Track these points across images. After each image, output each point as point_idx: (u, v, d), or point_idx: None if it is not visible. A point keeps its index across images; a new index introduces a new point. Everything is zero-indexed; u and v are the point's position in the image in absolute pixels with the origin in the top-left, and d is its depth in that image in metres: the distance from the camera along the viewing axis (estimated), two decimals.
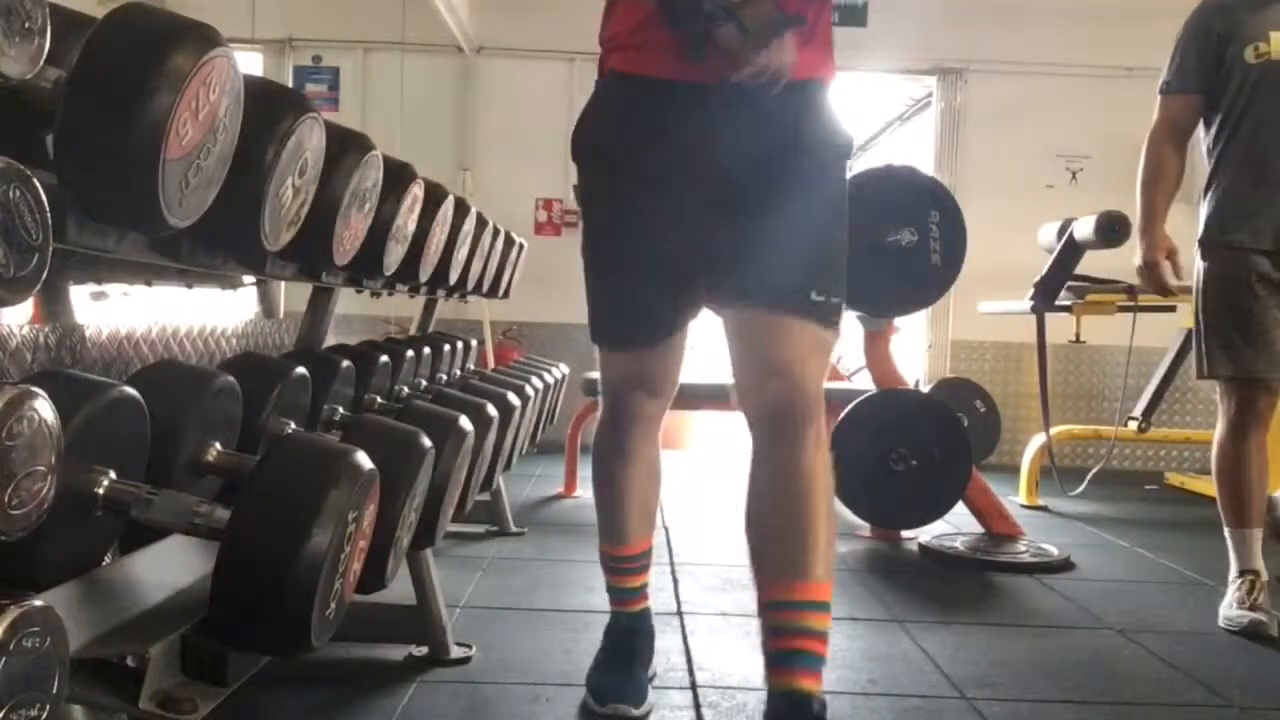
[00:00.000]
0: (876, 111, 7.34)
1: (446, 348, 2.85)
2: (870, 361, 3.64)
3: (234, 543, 1.08)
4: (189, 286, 2.21)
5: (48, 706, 0.82)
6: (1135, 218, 2.65)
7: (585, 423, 4.12)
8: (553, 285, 4.52)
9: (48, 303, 1.86)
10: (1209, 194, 2.57)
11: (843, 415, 3.32)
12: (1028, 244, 4.15)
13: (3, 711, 0.77)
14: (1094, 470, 4.11)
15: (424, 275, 2.18)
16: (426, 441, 1.52)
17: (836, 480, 1.57)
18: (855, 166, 1.70)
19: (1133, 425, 4.54)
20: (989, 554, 3.23)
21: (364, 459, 1.21)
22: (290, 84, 5.21)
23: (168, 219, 0.99)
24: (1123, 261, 2.66)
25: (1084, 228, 3.63)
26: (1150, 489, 4.97)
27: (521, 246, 3.69)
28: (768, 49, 1.41)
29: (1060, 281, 3.87)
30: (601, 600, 1.99)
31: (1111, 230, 3.46)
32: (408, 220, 1.90)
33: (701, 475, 4.79)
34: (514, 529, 3.35)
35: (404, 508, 1.43)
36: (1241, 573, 2.53)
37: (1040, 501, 4.33)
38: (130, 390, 1.11)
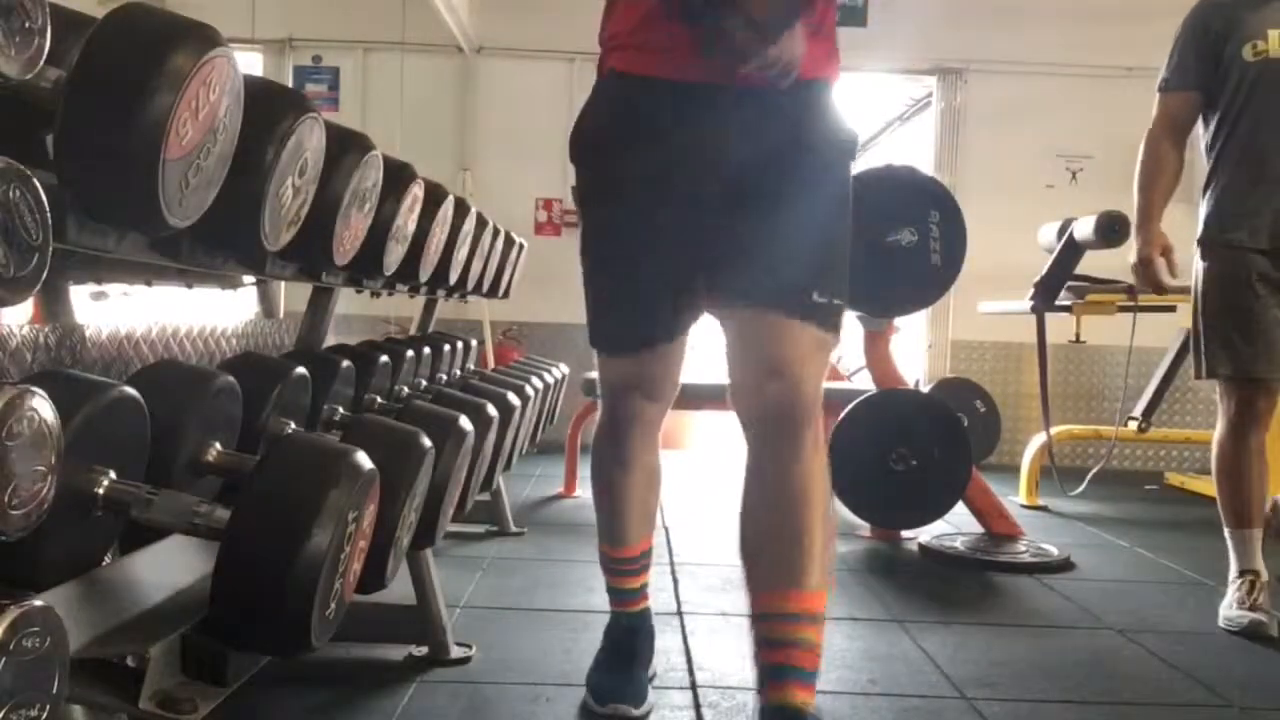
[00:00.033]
0: (876, 111, 7.34)
1: (446, 348, 2.85)
2: (870, 361, 3.64)
3: (234, 543, 1.08)
4: (189, 286, 2.21)
5: (48, 706, 0.82)
6: (1133, 215, 2.65)
7: (585, 423, 4.12)
8: (553, 285, 4.52)
9: (48, 303, 1.86)
10: (1208, 192, 2.57)
11: (843, 415, 3.32)
12: (1028, 244, 4.15)
13: (3, 711, 0.77)
14: (1094, 470, 4.11)
15: (424, 275, 2.18)
16: (426, 441, 1.52)
17: (834, 482, 1.54)
18: (855, 167, 1.67)
19: (1133, 425, 4.54)
20: (989, 554, 3.23)
21: (364, 459, 1.21)
22: (290, 84, 5.21)
23: (168, 219, 0.99)
24: (1123, 261, 2.66)
25: (1084, 228, 3.63)
26: (1150, 489, 4.97)
27: (521, 246, 3.69)
28: (778, 41, 1.38)
29: (1060, 281, 3.87)
30: (601, 600, 1.99)
31: (1111, 230, 3.46)
32: (408, 220, 1.90)
33: (701, 475, 4.79)
34: (514, 529, 3.35)
35: (404, 508, 1.43)
36: (1241, 573, 2.53)
37: (1040, 501, 4.33)
38: (130, 390, 1.11)
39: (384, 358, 2.18)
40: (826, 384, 1.57)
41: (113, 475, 1.07)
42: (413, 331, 3.24)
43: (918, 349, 5.76)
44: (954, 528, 3.57)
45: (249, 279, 2.39)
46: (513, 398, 2.41)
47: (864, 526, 3.50)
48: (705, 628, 2.37)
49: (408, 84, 5.51)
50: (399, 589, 1.75)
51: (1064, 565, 3.15)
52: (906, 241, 3.14)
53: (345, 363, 1.94)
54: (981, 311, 4.71)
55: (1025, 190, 5.39)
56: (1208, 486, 3.27)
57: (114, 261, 1.42)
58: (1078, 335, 4.27)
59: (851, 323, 3.51)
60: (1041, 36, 5.43)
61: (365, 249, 1.67)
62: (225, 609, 1.10)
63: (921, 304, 3.56)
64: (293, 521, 1.08)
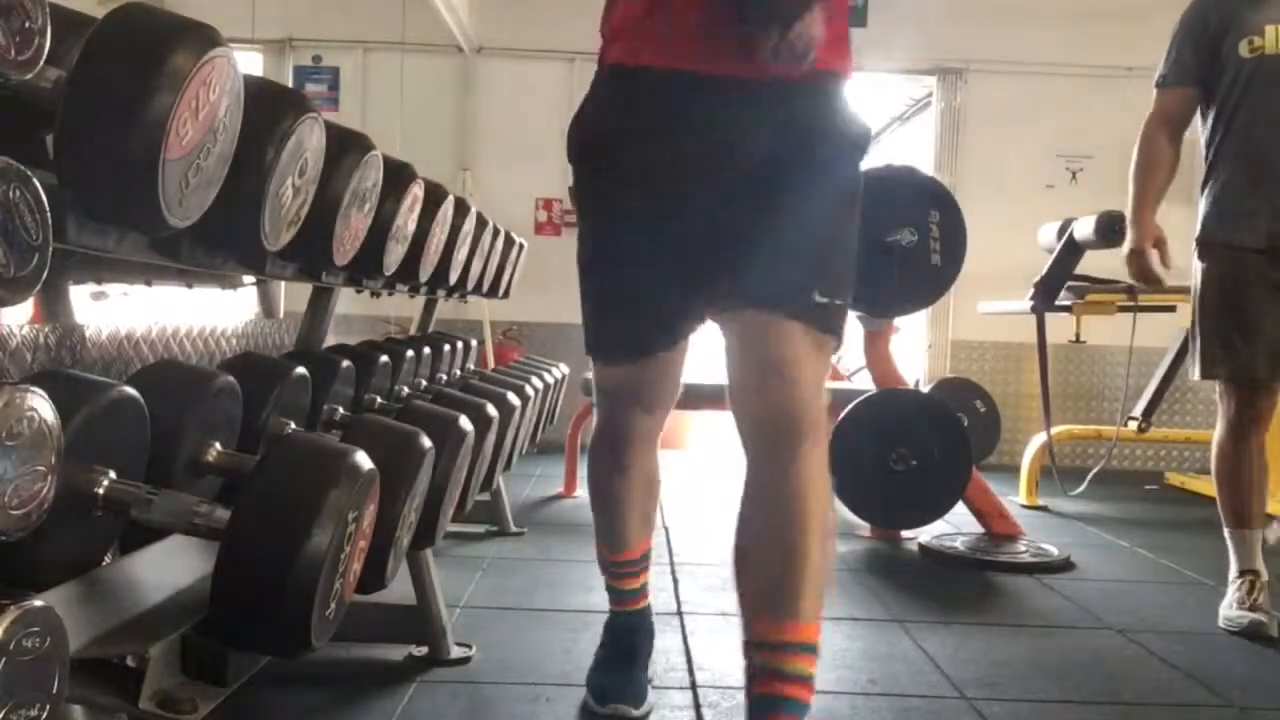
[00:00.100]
0: (876, 111, 7.34)
1: (446, 348, 2.85)
2: (870, 361, 3.64)
3: (234, 543, 1.08)
4: (189, 286, 2.21)
5: (48, 706, 0.82)
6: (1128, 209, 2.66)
7: (585, 423, 4.12)
8: (553, 285, 4.50)
9: (48, 303, 1.86)
10: (1206, 189, 2.56)
11: (843, 415, 3.32)
12: (1028, 244, 4.15)
13: (3, 711, 0.77)
14: (1094, 470, 4.11)
15: (424, 275, 2.18)
16: (426, 441, 1.52)
17: (834, 481, 1.46)
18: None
19: (1133, 425, 4.54)
20: (989, 554, 3.23)
21: (364, 459, 1.21)
22: (290, 84, 5.22)
23: (168, 219, 0.99)
24: (1122, 261, 2.66)
25: (1084, 228, 3.63)
26: (1150, 489, 4.97)
27: (521, 246, 3.69)
28: (797, 23, 1.30)
29: (1060, 281, 3.87)
30: (601, 600, 1.99)
31: (1111, 230, 3.45)
32: (408, 220, 1.90)
33: (701, 475, 4.79)
34: (514, 529, 3.35)
35: (404, 508, 1.43)
36: (1241, 573, 2.53)
37: (1040, 501, 4.33)
38: (130, 390, 1.11)
39: (384, 358, 2.18)
40: (826, 384, 1.50)
41: (113, 475, 1.07)
42: (413, 331, 3.24)
43: (918, 349, 5.76)
44: (954, 528, 3.57)
45: (249, 279, 2.39)
46: (513, 398, 2.41)
47: (864, 526, 3.49)
48: (705, 628, 2.37)
49: (408, 84, 5.51)
50: (399, 589, 1.74)
51: (1064, 565, 3.15)
52: (906, 241, 3.14)
53: (345, 363, 1.94)
54: (981, 311, 4.71)
55: (1025, 190, 5.39)
56: (1208, 486, 3.27)
57: (114, 261, 1.42)
58: (1078, 335, 4.27)
59: (851, 323, 3.51)
60: (1041, 36, 5.43)
61: (365, 249, 1.67)
62: (225, 609, 1.10)
63: (921, 304, 3.56)
64: (293, 521, 1.08)
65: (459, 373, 3.01)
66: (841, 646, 2.24)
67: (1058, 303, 3.94)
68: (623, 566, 1.89)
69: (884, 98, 6.87)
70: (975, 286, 4.32)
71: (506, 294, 3.65)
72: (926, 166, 5.36)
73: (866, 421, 3.32)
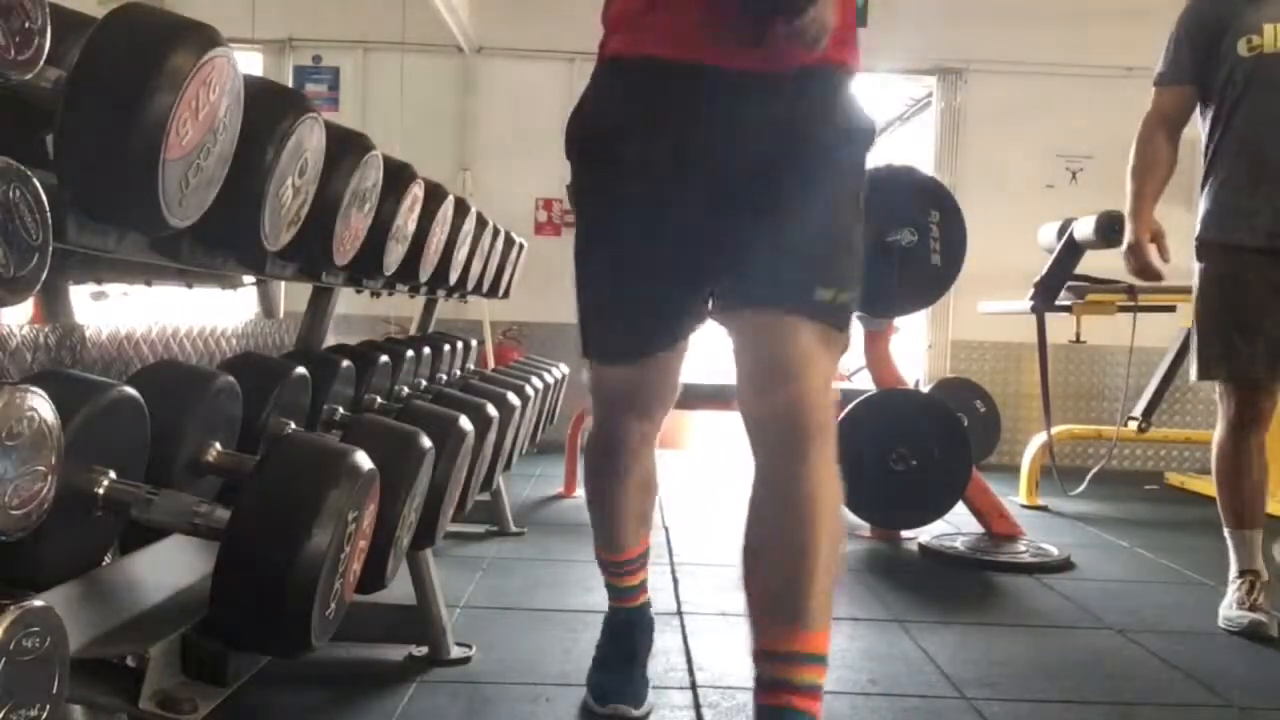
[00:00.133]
0: (876, 111, 7.33)
1: (446, 348, 2.85)
2: (870, 361, 3.64)
3: (234, 543, 1.08)
4: (189, 286, 2.21)
5: (48, 706, 0.82)
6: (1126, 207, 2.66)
7: (585, 423, 4.11)
8: (553, 285, 4.49)
9: (48, 303, 1.86)
10: (1206, 188, 2.56)
11: (843, 415, 3.32)
12: (1028, 244, 4.15)
13: (3, 711, 0.77)
14: (1094, 470, 4.11)
15: (424, 275, 2.18)
16: (426, 441, 1.52)
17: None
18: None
19: (1133, 425, 4.54)
20: (989, 554, 3.23)
21: (364, 459, 1.21)
22: (290, 84, 5.22)
23: (168, 219, 0.99)
24: (1122, 261, 2.66)
25: (1084, 228, 3.63)
26: (1150, 489, 4.97)
27: (521, 246, 3.70)
28: (810, 8, 1.27)
29: (1060, 281, 3.87)
30: (601, 600, 1.99)
31: (1111, 230, 3.45)
32: (408, 220, 1.90)
33: (701, 475, 4.79)
34: (514, 529, 3.35)
35: (404, 508, 1.43)
36: (1241, 573, 2.53)
37: (1040, 501, 4.33)
38: (130, 390, 1.11)
39: (384, 358, 2.18)
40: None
41: (113, 475, 1.07)
42: (413, 331, 3.24)
43: (918, 349, 5.75)
44: (954, 528, 3.57)
45: (249, 279, 2.39)
46: (513, 398, 2.42)
47: (864, 526, 3.49)
48: (705, 628, 2.37)
49: (408, 84, 5.51)
50: (399, 589, 1.74)
51: (1064, 565, 3.15)
52: (906, 241, 3.14)
53: (345, 363, 1.94)
54: (981, 311, 4.71)
55: (1025, 190, 5.39)
56: (1208, 486, 3.27)
57: (114, 261, 1.42)
58: (1078, 335, 4.27)
59: (852, 323, 3.51)
60: (1041, 36, 5.42)
61: (365, 249, 1.67)
62: (225, 609, 1.10)
63: (921, 304, 3.56)
64: (293, 521, 1.08)
65: (459, 373, 3.01)
66: (841, 646, 2.24)
67: (1058, 303, 3.94)
68: (621, 566, 1.89)
69: (884, 98, 6.87)
70: (975, 286, 4.32)
71: (506, 294, 3.65)
72: (926, 166, 5.36)
73: (866, 421, 3.32)
